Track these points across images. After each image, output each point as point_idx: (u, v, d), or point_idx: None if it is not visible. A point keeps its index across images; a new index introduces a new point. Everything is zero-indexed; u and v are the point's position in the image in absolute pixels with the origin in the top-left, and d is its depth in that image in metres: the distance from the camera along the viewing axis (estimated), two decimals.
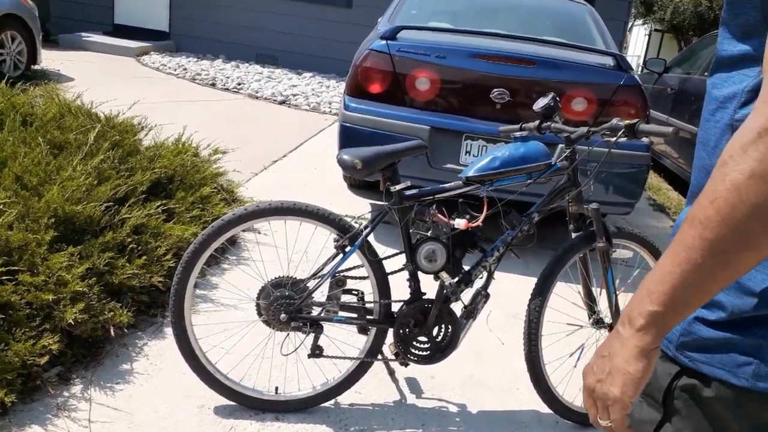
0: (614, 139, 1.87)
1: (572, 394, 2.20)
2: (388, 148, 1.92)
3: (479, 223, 1.97)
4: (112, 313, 2.18)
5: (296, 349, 1.95)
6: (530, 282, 2.32)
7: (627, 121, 1.86)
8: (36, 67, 6.64)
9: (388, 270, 2.04)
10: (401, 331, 2.02)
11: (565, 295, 2.45)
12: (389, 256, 2.06)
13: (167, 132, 3.90)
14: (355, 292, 2.06)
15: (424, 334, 2.04)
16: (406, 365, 2.17)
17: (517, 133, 2.07)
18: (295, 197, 2.25)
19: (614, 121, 1.90)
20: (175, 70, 8.23)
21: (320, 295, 2.04)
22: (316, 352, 2.01)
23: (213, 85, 7.65)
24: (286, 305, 1.93)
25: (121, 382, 2.08)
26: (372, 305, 2.04)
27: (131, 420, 1.92)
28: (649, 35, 24.80)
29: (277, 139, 5.45)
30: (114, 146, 2.95)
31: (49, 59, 7.31)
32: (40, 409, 1.90)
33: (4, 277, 1.99)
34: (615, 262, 2.20)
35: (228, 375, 2.02)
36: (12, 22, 6.21)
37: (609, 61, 3.44)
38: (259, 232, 3.39)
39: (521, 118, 3.29)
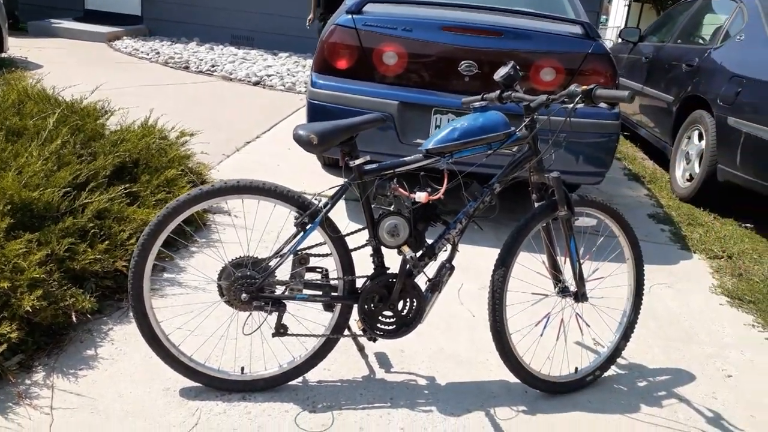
0: (571, 105, 1.86)
1: (539, 363, 2.20)
2: (345, 122, 1.89)
3: (440, 195, 1.95)
4: (73, 299, 2.15)
5: (258, 328, 1.93)
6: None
7: (584, 87, 1.84)
8: (3, 55, 6.49)
9: (352, 246, 2.02)
10: (366, 307, 2.01)
11: (531, 265, 2.45)
12: (352, 232, 2.05)
13: (137, 116, 3.83)
14: (319, 270, 2.04)
15: (389, 309, 2.03)
16: (374, 340, 2.16)
17: (477, 104, 2.04)
18: (268, 178, 2.22)
19: (572, 87, 1.88)
20: (148, 54, 8.10)
21: (284, 274, 2.02)
22: (281, 330, 1.99)
23: (186, 68, 7.54)
24: (246, 285, 1.91)
25: (85, 368, 2.05)
26: (336, 282, 2.03)
27: (95, 405, 1.90)
28: (629, 6, 24.70)
29: (251, 120, 5.38)
30: (75, 131, 2.89)
31: (17, 47, 7.16)
32: (0, 398, 1.87)
33: None
34: (581, 231, 2.20)
35: (192, 356, 2.00)
36: None
37: (577, 30, 3.41)
38: (230, 214, 3.36)
39: (490, 90, 3.27)
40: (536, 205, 2.11)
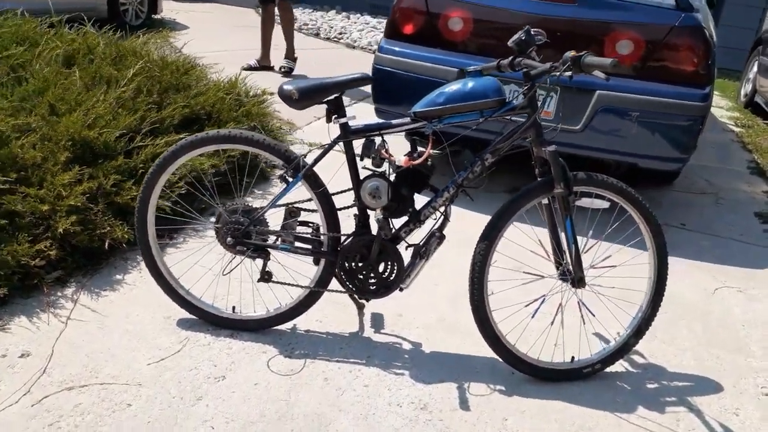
0: (559, 73, 1.74)
1: (527, 345, 2.10)
2: (329, 80, 1.93)
3: (422, 161, 1.92)
4: (110, 228, 2.42)
5: (231, 270, 2.06)
6: (529, 232, 2.22)
7: (573, 53, 1.71)
8: (156, 16, 7.21)
9: (341, 205, 2.06)
10: (345, 264, 2.05)
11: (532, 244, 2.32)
12: (339, 192, 2.09)
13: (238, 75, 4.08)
14: (311, 224, 2.11)
15: (369, 269, 2.05)
16: (367, 300, 2.20)
17: (471, 68, 1.97)
18: None
19: (567, 54, 1.75)
20: None
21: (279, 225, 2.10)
22: (265, 276, 2.10)
23: (317, 34, 7.86)
24: (233, 230, 2.03)
25: (108, 289, 2.32)
26: (323, 237, 2.09)
27: (103, 321, 2.15)
28: None
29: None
30: (155, 82, 3.19)
31: (170, 10, 7.91)
32: (33, 305, 2.18)
33: (17, 189, 2.29)
34: (588, 213, 2.05)
35: (190, 290, 2.17)
36: None
37: (668, 0, 3.09)
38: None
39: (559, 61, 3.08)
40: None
